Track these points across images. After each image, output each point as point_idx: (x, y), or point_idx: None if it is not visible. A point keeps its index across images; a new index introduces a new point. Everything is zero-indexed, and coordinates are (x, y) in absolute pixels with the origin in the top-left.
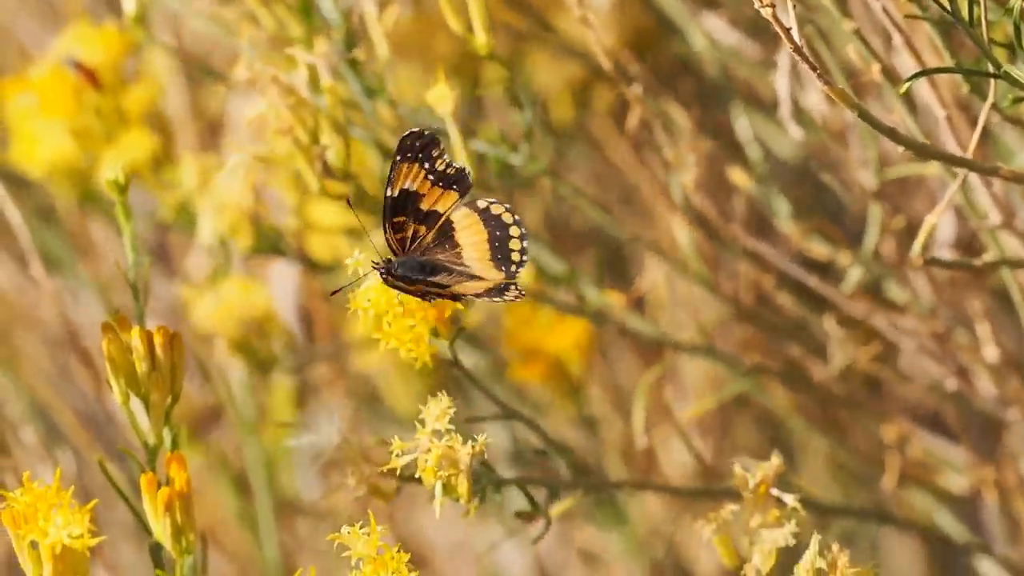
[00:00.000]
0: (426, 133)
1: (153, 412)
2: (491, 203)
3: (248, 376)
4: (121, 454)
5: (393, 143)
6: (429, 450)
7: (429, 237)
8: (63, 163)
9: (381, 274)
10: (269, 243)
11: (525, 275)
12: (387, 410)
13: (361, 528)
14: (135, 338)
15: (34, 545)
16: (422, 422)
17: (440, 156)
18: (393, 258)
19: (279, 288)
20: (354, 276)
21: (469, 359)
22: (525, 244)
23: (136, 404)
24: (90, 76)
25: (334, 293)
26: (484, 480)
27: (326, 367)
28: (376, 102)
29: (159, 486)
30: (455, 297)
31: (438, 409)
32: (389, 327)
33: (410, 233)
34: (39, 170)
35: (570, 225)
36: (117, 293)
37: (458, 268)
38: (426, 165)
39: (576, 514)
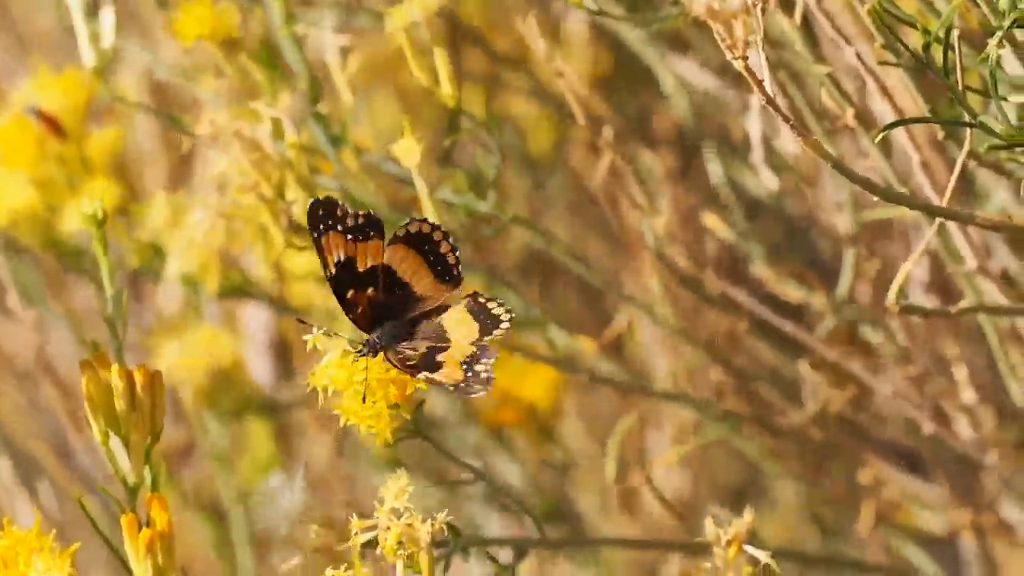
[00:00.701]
0: (322, 198)
1: (133, 451)
2: (407, 225)
3: (222, 414)
4: (97, 485)
5: (360, 192)
6: (388, 528)
7: (380, 295)
8: (26, 212)
9: (369, 355)
10: (238, 285)
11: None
12: (364, 449)
13: (345, 570)
14: (115, 377)
15: None
16: (381, 501)
17: (345, 213)
18: (368, 336)
19: (254, 326)
20: (315, 352)
21: (443, 403)
22: (453, 242)
23: (116, 443)
24: (52, 125)
25: (301, 321)
26: (451, 545)
27: (303, 405)
28: (341, 151)
29: (140, 527)
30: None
31: (396, 487)
32: (348, 404)
33: (364, 303)
34: (2, 219)
35: (546, 259)
36: (90, 327)
37: (422, 311)
38: (339, 227)
39: (544, 556)
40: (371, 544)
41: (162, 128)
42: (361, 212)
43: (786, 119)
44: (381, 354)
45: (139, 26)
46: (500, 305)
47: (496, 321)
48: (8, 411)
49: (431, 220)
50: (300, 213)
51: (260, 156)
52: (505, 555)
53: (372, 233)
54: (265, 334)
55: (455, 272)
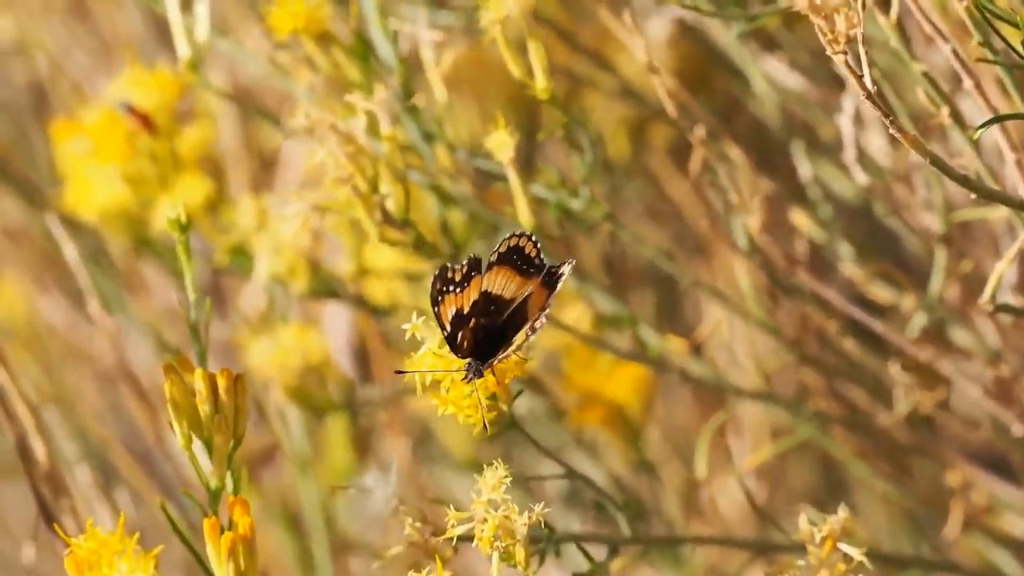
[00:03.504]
0: (436, 273)
1: (216, 455)
2: (499, 248)
3: (304, 418)
4: (175, 491)
5: (451, 188)
6: (485, 520)
7: (480, 319)
8: (117, 208)
9: (475, 378)
10: (325, 286)
11: (584, 319)
12: (443, 451)
13: (428, 573)
14: (198, 381)
15: None
16: (478, 492)
17: (452, 271)
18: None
19: (333, 329)
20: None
21: (527, 403)
22: (535, 239)
23: (198, 446)
24: (144, 120)
25: (399, 372)
26: (543, 541)
27: (382, 409)
28: (434, 146)
29: (222, 530)
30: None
31: (493, 479)
32: (447, 393)
33: (468, 335)
34: (93, 215)
35: (628, 264)
36: (170, 331)
37: (509, 312)
38: (449, 288)
39: (633, 554)
40: (464, 539)
41: (245, 130)
42: (464, 262)
43: (886, 115)
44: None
45: (223, 28)
46: (569, 263)
47: (557, 279)
48: (88, 416)
49: (517, 231)
50: (393, 206)
51: (355, 149)
52: (596, 553)
53: (474, 274)
54: (345, 335)
55: (537, 262)
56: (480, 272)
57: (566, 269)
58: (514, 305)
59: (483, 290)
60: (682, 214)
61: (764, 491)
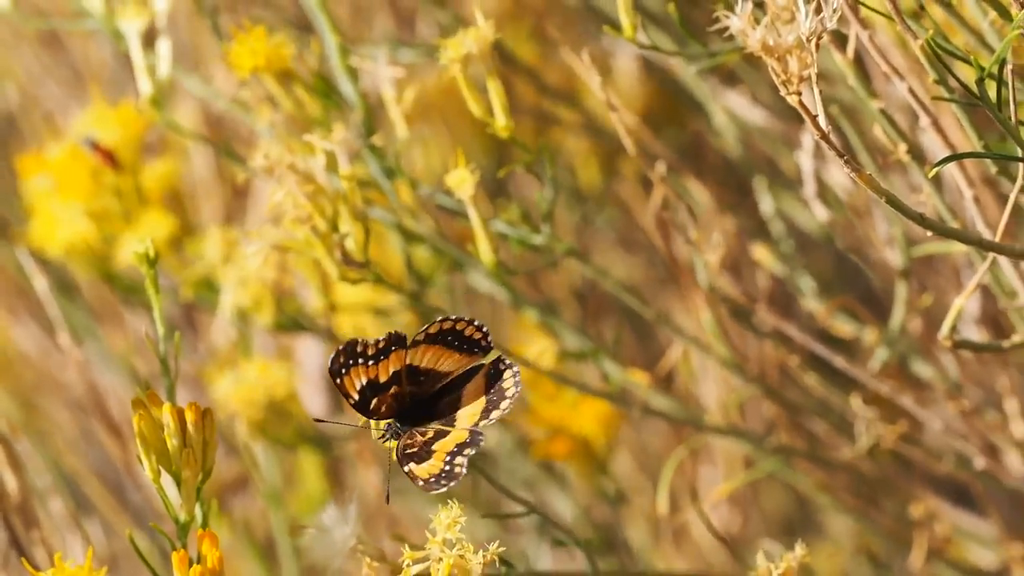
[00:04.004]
0: (343, 345)
1: (184, 488)
2: (427, 329)
3: (275, 448)
4: (148, 519)
5: (413, 225)
6: (440, 560)
7: (404, 387)
8: (81, 245)
9: (392, 440)
10: (291, 320)
11: (548, 355)
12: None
13: None
14: (166, 415)
15: None
16: (433, 532)
17: (364, 346)
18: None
19: (306, 360)
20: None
21: (496, 436)
22: (479, 324)
23: (167, 479)
24: (108, 157)
25: (318, 421)
26: None
27: (353, 438)
28: (395, 183)
29: (191, 563)
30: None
31: (448, 518)
32: None
33: (388, 401)
34: (57, 251)
35: (600, 292)
36: (141, 360)
37: (448, 382)
38: (360, 361)
39: None
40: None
41: (216, 162)
42: (382, 337)
43: (841, 155)
44: None
45: (194, 60)
46: (514, 377)
47: (501, 397)
48: (60, 445)
49: (452, 316)
50: (352, 246)
51: (314, 189)
52: None
53: (394, 348)
54: (318, 366)
55: (483, 344)
56: (403, 347)
57: (510, 388)
58: (451, 377)
59: (408, 363)
60: (652, 241)
61: (737, 517)
